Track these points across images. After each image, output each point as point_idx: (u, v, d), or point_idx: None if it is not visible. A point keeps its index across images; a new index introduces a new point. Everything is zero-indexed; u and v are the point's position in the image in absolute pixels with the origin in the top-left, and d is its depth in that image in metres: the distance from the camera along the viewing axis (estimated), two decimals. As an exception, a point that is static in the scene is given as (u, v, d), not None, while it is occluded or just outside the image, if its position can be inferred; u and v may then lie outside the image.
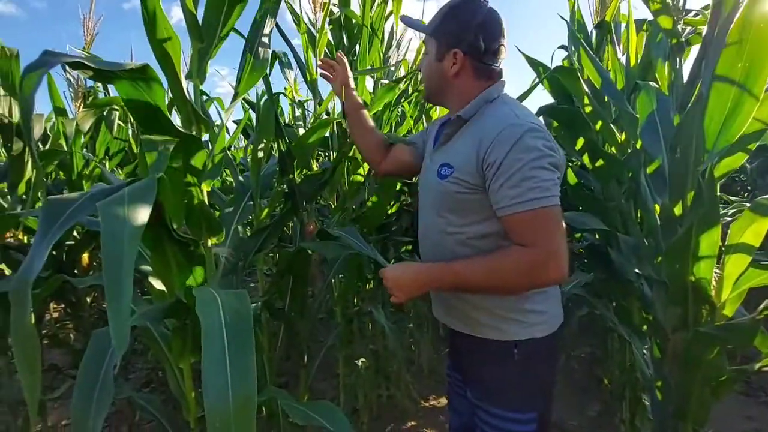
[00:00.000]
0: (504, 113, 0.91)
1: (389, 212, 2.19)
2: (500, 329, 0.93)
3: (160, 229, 1.00)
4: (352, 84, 1.37)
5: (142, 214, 0.69)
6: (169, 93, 1.24)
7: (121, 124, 2.11)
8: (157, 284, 1.18)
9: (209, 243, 1.23)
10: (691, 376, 0.96)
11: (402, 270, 0.96)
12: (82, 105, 1.91)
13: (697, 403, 0.96)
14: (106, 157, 2.07)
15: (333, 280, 1.82)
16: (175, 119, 1.12)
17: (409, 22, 1.22)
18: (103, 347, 0.77)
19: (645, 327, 1.42)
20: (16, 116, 1.74)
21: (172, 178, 1.04)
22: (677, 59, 1.06)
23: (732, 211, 1.43)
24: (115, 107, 1.98)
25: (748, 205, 1.03)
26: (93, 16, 2.03)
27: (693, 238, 0.94)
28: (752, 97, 0.78)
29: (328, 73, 1.41)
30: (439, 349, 2.88)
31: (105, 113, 1.95)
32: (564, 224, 0.86)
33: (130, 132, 2.16)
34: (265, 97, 1.52)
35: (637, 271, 1.19)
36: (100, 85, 2.05)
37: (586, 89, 1.63)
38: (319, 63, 1.46)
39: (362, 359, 1.92)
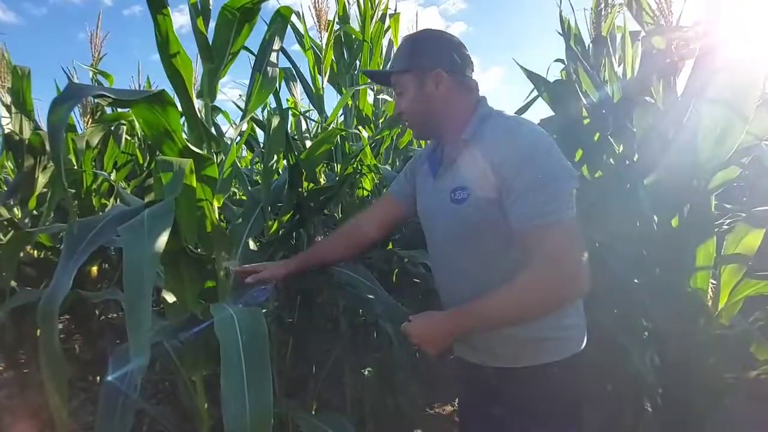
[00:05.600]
0: (510, 127, 0.91)
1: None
2: (537, 352, 0.91)
3: (174, 246, 1.03)
4: (283, 269, 1.18)
5: (161, 237, 0.73)
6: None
7: (128, 138, 2.15)
8: (170, 297, 1.21)
9: (220, 257, 1.26)
10: (691, 384, 0.99)
11: (426, 324, 0.93)
12: (90, 120, 1.96)
13: (698, 410, 0.98)
14: (114, 170, 2.11)
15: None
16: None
17: (371, 72, 1.25)
18: (122, 364, 0.80)
19: (645, 334, 1.45)
20: (26, 133, 1.78)
21: (186, 195, 1.07)
22: (671, 78, 1.10)
23: (729, 220, 1.47)
24: (123, 122, 2.02)
25: (743, 215, 1.06)
26: (100, 34, 2.08)
27: (689, 249, 0.97)
28: (742, 119, 0.82)
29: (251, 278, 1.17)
30: (442, 355, 2.89)
31: (113, 128, 2.00)
32: (580, 236, 0.84)
33: (136, 145, 2.20)
34: (276, 112, 1.56)
35: (636, 281, 1.22)
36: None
37: (584, 102, 1.67)
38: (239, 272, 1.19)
39: (369, 369, 1.94)
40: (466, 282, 0.96)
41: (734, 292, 1.03)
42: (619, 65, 1.92)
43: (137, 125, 2.11)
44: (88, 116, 1.98)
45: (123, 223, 0.76)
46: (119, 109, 2.08)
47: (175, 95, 1.16)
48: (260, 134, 3.35)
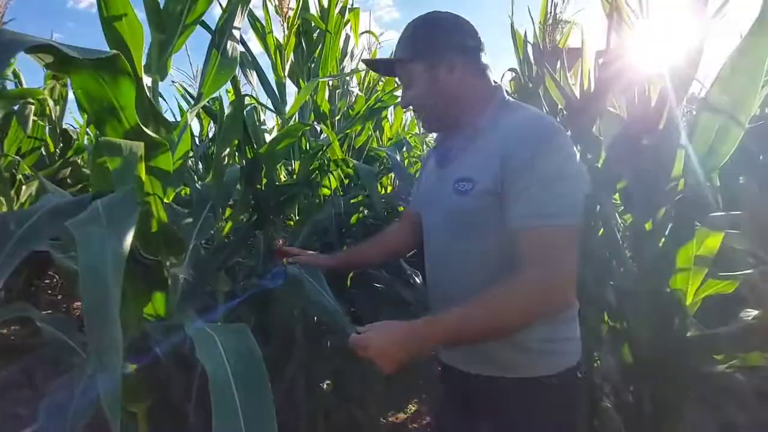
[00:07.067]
0: (525, 118, 0.86)
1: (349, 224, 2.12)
2: (532, 364, 0.85)
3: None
4: (331, 261, 1.17)
5: (126, 237, 0.57)
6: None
7: (37, 120, 1.79)
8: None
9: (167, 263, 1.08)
10: (668, 383, 1.03)
11: (385, 336, 0.78)
12: (-14, 96, 1.59)
13: (672, 407, 1.03)
14: (17, 157, 1.74)
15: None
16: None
17: (372, 61, 1.18)
18: (63, 407, 0.60)
19: (606, 333, 1.51)
20: None
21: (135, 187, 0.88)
22: (639, 89, 1.16)
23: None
24: (30, 101, 1.68)
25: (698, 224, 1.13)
26: (1, -6, 1.71)
27: (669, 251, 1.01)
28: (739, 126, 0.87)
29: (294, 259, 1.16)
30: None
31: (17, 107, 1.65)
32: (576, 247, 0.79)
33: (47, 130, 1.84)
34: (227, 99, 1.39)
35: (612, 283, 1.26)
36: (10, 73, 1.73)
37: (547, 109, 1.72)
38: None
39: (327, 382, 1.82)
40: (460, 278, 0.89)
41: (698, 292, 1.10)
42: (569, 73, 2.03)
43: (50, 105, 1.77)
44: (-17, 91, 1.61)
45: (63, 218, 0.58)
46: (26, 85, 1.72)
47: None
48: (196, 127, 3.04)
